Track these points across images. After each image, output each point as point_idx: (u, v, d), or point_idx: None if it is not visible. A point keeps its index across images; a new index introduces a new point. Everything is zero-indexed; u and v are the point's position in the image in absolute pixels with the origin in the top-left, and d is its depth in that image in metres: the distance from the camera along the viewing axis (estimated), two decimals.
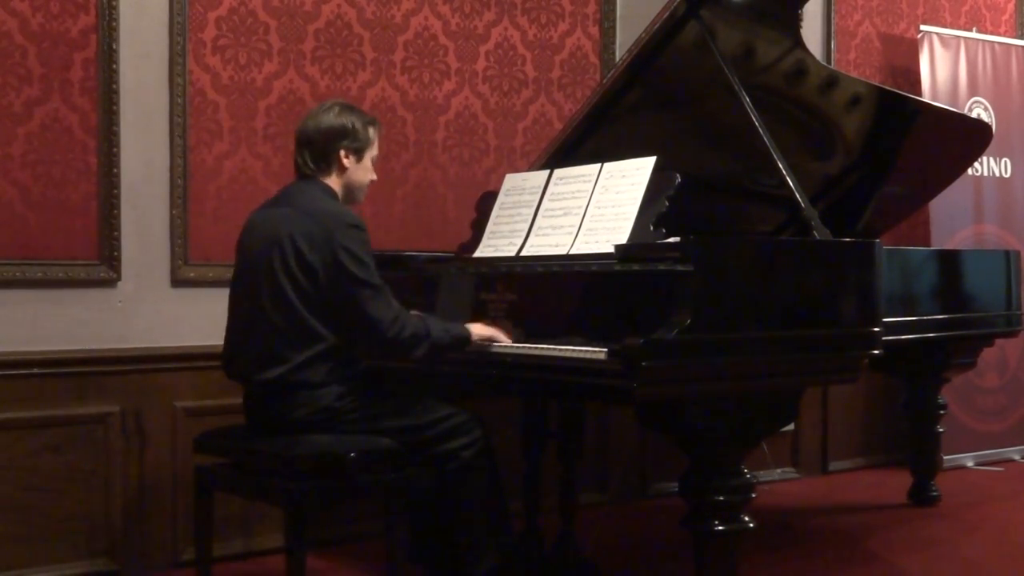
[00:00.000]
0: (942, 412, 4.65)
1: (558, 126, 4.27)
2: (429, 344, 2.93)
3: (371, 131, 3.13)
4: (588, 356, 2.71)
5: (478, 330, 3.03)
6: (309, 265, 2.89)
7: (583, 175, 3.26)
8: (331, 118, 3.07)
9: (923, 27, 5.45)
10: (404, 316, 2.92)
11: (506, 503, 3.09)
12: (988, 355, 4.98)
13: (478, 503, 2.99)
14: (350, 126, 3.07)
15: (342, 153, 3.07)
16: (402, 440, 2.91)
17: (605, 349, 2.65)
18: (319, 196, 3.03)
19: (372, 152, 3.14)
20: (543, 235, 3.26)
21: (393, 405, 2.99)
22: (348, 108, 3.14)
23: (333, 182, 3.08)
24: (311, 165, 3.07)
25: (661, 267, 2.73)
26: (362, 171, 3.13)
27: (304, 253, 2.89)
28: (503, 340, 3.02)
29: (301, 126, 3.11)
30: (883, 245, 3.13)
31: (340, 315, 2.91)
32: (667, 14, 3.28)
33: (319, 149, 3.06)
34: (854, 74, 5.03)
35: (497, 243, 3.40)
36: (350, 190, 3.12)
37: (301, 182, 3.10)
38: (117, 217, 3.61)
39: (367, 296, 2.88)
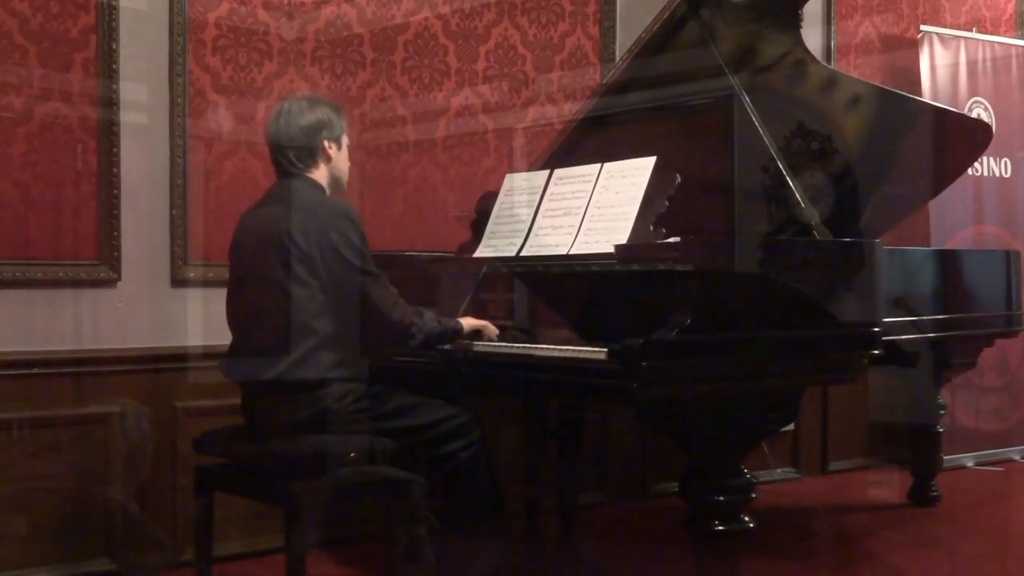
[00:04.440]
0: (942, 412, 4.65)
1: (558, 126, 4.27)
2: (425, 332, 2.99)
3: (342, 118, 3.17)
4: (588, 356, 2.71)
5: (469, 323, 3.11)
6: (308, 258, 2.89)
7: (583, 175, 3.26)
8: (307, 113, 3.08)
9: (923, 27, 5.45)
10: (402, 302, 2.99)
11: (503, 503, 3.09)
12: (988, 355, 4.97)
13: (475, 504, 2.99)
14: (326, 117, 3.10)
15: (325, 144, 3.09)
16: (402, 442, 2.91)
17: (605, 349, 2.65)
18: (309, 191, 3.04)
19: (346, 139, 3.17)
20: (543, 235, 3.26)
21: (393, 407, 2.98)
22: (314, 100, 3.18)
23: (319, 175, 3.09)
24: (297, 163, 3.07)
25: (661, 267, 2.73)
26: (343, 158, 3.16)
27: (302, 247, 2.89)
28: (492, 335, 3.12)
29: (276, 128, 3.09)
30: (883, 245, 3.13)
31: (343, 304, 2.93)
32: (667, 14, 3.29)
33: (304, 146, 3.07)
34: (854, 74, 5.03)
35: (497, 243, 3.39)
36: (336, 179, 3.14)
37: (288, 180, 3.09)
38: (117, 217, 3.60)
39: (369, 283, 2.92)
